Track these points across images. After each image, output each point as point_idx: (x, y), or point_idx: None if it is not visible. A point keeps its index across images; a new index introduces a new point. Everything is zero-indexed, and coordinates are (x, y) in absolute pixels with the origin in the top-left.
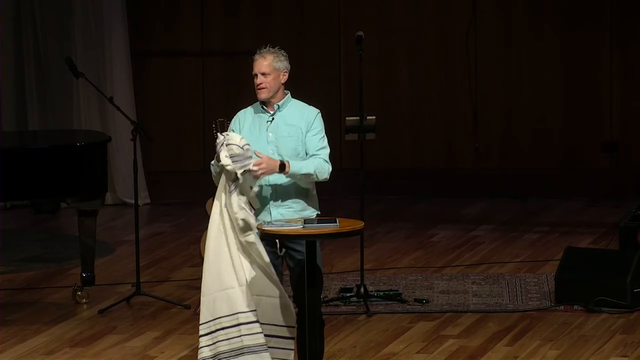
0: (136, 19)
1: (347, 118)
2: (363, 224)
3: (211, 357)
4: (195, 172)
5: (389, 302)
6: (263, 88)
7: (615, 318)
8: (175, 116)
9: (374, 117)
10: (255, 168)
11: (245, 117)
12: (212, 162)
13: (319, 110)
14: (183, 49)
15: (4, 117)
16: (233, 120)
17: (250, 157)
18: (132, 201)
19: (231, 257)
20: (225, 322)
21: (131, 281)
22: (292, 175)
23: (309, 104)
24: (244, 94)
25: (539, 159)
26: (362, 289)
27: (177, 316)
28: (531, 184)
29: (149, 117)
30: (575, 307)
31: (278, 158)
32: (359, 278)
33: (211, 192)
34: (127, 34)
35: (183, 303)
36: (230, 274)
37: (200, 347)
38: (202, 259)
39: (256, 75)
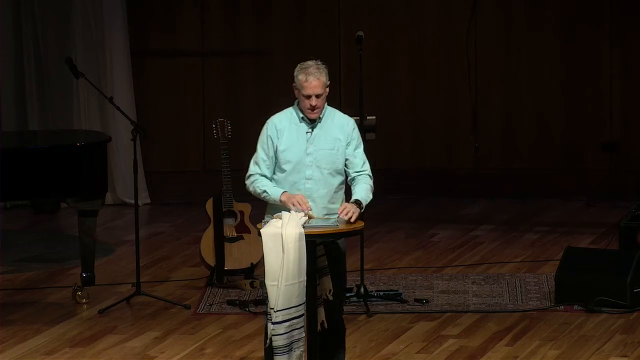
0: (136, 19)
1: None
2: (363, 224)
3: (287, 346)
4: (195, 172)
5: (389, 302)
6: (317, 109)
7: (615, 318)
8: (175, 116)
9: (374, 117)
10: (346, 217)
11: (282, 124)
12: (264, 190)
13: (354, 120)
14: (183, 49)
15: (4, 117)
16: (267, 127)
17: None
18: (132, 201)
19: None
20: (294, 312)
21: (131, 281)
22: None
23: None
24: (244, 94)
25: (539, 159)
26: (362, 289)
27: (177, 316)
28: (531, 184)
29: (149, 117)
30: (575, 307)
31: (316, 170)
32: (359, 278)
33: (211, 192)
34: (127, 34)
35: (183, 303)
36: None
37: (277, 335)
38: (203, 259)
39: (309, 96)
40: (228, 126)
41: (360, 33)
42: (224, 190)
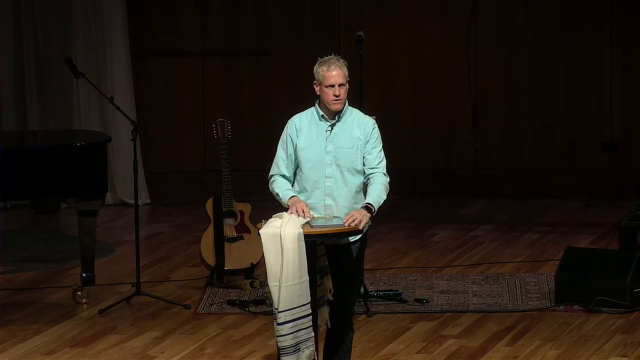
0: (136, 19)
1: None
2: (363, 224)
3: (293, 346)
4: (195, 172)
5: (389, 302)
6: (341, 99)
7: (615, 318)
8: (175, 116)
9: (374, 117)
10: (353, 224)
11: (302, 123)
12: (277, 191)
13: (375, 120)
14: (183, 49)
15: (4, 117)
16: (287, 126)
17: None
18: (132, 201)
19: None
20: (299, 312)
21: (131, 281)
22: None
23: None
24: (244, 94)
25: (539, 159)
26: (362, 289)
27: (177, 316)
28: (531, 184)
29: (149, 117)
30: (575, 307)
31: (336, 168)
32: None
33: (211, 192)
34: (127, 34)
35: (183, 303)
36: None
37: (282, 336)
38: (203, 259)
39: (332, 86)
40: (228, 126)
41: (360, 33)
42: (224, 190)
